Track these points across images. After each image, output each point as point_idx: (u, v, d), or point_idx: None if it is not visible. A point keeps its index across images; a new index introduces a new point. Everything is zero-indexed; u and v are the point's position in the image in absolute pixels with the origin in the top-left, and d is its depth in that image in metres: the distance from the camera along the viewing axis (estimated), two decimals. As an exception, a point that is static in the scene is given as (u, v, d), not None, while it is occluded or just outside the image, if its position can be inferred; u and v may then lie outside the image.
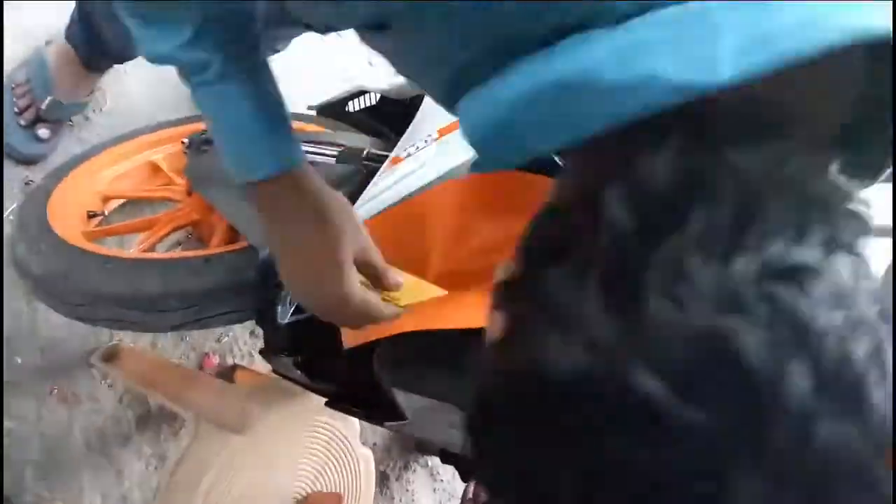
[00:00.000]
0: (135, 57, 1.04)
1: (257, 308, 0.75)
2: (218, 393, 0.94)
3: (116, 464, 1.21)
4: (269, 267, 0.72)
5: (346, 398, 0.71)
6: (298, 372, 0.70)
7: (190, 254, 0.80)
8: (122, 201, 1.10)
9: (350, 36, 0.47)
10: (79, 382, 1.15)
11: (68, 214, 0.93)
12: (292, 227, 0.51)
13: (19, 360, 1.10)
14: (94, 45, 1.01)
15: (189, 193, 0.99)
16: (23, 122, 1.05)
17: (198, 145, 0.92)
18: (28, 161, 1.08)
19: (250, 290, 0.75)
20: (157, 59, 0.50)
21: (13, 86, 1.06)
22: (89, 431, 1.17)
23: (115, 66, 1.12)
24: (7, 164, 1.06)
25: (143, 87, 1.22)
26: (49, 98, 1.05)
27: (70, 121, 1.13)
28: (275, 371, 0.78)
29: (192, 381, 0.99)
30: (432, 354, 0.61)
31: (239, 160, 0.53)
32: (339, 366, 0.68)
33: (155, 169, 1.10)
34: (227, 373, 1.13)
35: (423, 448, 1.52)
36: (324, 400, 0.87)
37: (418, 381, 0.62)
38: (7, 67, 1.08)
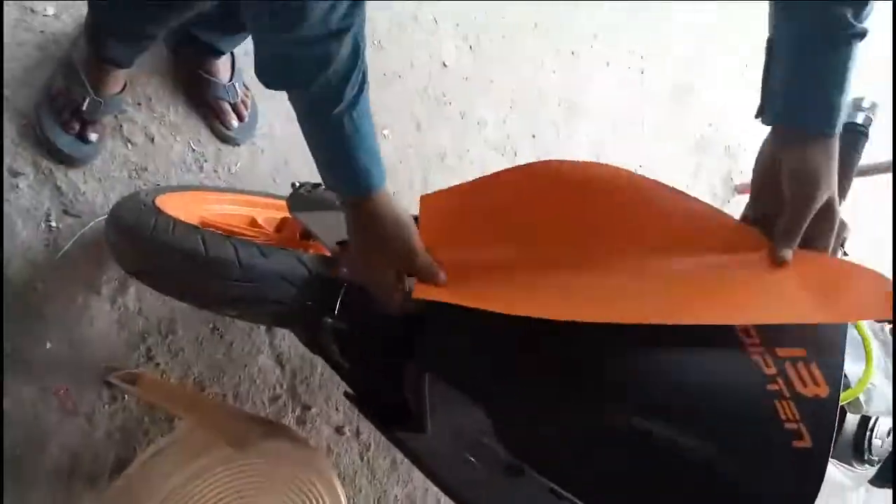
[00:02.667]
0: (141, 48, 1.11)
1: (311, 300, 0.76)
2: (227, 410, 0.90)
3: (71, 499, 1.10)
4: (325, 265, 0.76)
5: (371, 391, 0.67)
6: (335, 348, 0.68)
7: (265, 240, 0.84)
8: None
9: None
10: (84, 395, 1.12)
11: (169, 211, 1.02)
12: (381, 218, 0.72)
13: (49, 345, 1.09)
14: (107, 40, 1.07)
15: (278, 231, 1.06)
16: (72, 130, 1.12)
17: (307, 187, 1.02)
18: (74, 163, 1.14)
19: (307, 285, 0.77)
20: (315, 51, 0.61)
21: (53, 94, 1.12)
22: (64, 453, 1.09)
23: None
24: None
25: (269, 168, 1.38)
26: (88, 98, 1.11)
27: (116, 117, 1.19)
28: (310, 347, 0.75)
29: (204, 401, 0.96)
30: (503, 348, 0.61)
31: (360, 175, 0.70)
32: (380, 344, 0.66)
33: (252, 222, 1.20)
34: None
35: None
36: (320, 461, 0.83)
37: (470, 366, 0.60)
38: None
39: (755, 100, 0.73)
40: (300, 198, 1.01)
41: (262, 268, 0.80)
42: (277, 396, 1.34)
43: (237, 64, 1.32)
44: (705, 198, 2.48)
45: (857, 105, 0.75)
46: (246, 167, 1.35)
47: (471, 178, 0.73)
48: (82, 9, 1.16)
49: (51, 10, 1.20)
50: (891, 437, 0.89)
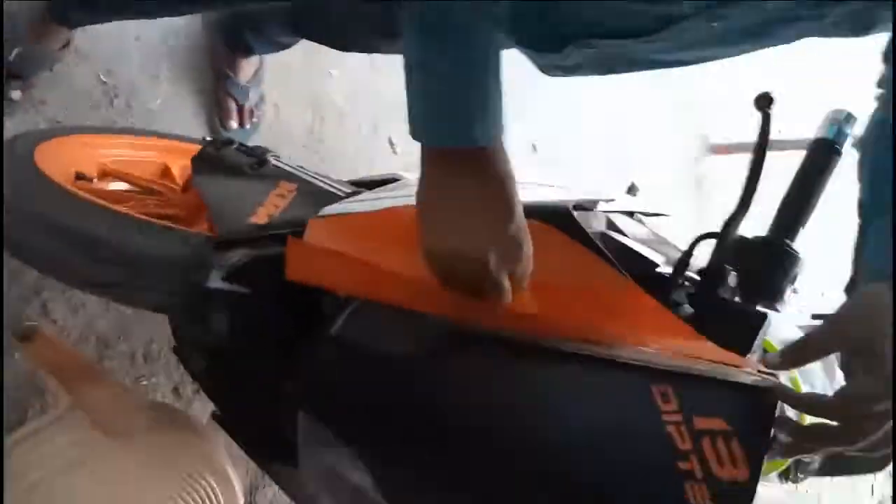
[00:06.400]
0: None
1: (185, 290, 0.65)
2: (114, 394, 0.82)
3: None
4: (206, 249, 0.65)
5: (242, 416, 0.59)
6: (203, 363, 0.59)
7: (149, 217, 0.73)
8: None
9: None
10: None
11: (57, 162, 0.89)
12: (482, 185, 0.53)
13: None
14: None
15: (184, 191, 0.94)
16: None
17: (218, 145, 0.90)
18: None
19: (185, 269, 0.67)
20: None
21: None
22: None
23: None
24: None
25: (196, 105, 1.24)
26: (17, 49, 0.98)
27: (51, 70, 1.06)
28: (179, 357, 0.66)
29: (94, 376, 0.87)
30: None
31: (495, 114, 0.53)
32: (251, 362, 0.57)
33: (165, 172, 1.07)
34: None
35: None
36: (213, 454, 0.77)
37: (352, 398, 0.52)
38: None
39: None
40: (206, 160, 0.89)
41: (137, 249, 0.69)
42: (194, 355, 1.26)
43: (262, 71, 1.27)
44: (678, 154, 2.40)
45: (832, 118, 0.64)
46: (166, 104, 1.21)
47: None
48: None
49: None
50: None
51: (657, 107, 2.18)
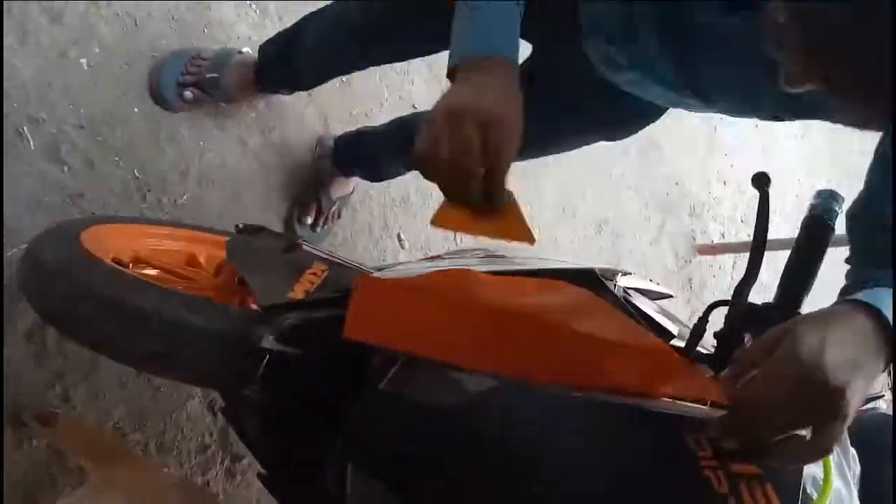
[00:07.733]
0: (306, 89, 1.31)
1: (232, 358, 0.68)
2: (143, 471, 0.83)
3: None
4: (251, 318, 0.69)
5: (288, 476, 0.60)
6: (255, 423, 0.61)
7: (199, 286, 0.78)
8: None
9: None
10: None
11: (95, 248, 0.94)
12: (499, 78, 0.68)
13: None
14: (280, 77, 1.21)
15: (216, 274, 0.99)
16: (180, 80, 1.21)
17: (249, 231, 0.96)
18: (160, 103, 1.23)
19: (229, 348, 0.70)
20: None
21: (194, 55, 1.23)
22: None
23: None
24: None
25: (219, 202, 1.31)
26: (215, 75, 1.21)
27: (223, 105, 1.30)
28: (228, 418, 0.68)
29: (121, 453, 0.88)
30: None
31: (492, 41, 0.71)
32: (304, 424, 0.59)
33: (192, 260, 1.12)
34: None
35: None
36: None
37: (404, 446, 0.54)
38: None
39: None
40: (240, 243, 0.95)
41: (185, 323, 0.73)
42: (206, 446, 1.25)
43: (351, 195, 1.47)
44: (666, 256, 2.48)
45: (820, 196, 0.72)
46: (194, 199, 1.28)
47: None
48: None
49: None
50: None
51: (643, 213, 2.30)
